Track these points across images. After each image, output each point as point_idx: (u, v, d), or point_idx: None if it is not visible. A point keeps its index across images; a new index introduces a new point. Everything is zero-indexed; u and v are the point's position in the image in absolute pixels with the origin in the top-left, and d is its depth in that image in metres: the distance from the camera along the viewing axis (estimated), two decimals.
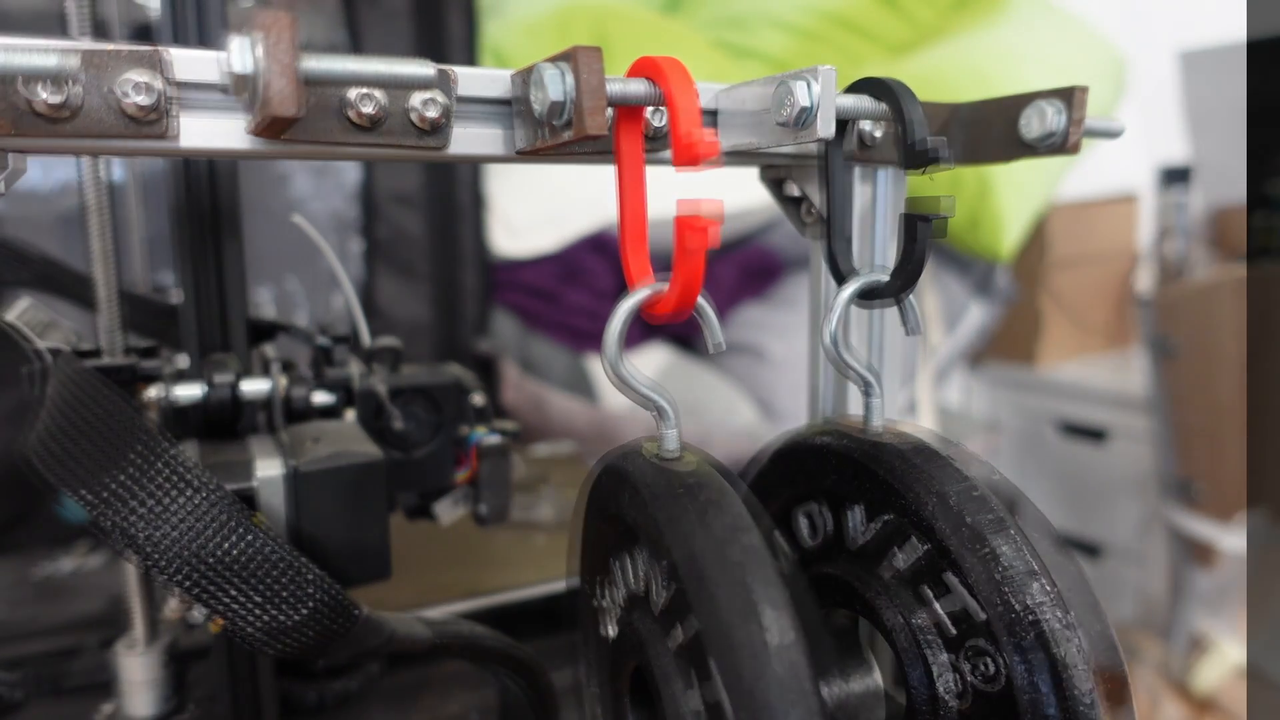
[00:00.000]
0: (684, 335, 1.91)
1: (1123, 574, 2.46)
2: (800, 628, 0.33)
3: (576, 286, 1.87)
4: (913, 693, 0.42)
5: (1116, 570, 2.48)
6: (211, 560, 0.47)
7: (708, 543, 0.34)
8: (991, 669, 0.39)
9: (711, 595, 0.33)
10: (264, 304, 1.66)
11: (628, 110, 0.40)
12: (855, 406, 0.61)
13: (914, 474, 0.41)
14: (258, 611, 0.49)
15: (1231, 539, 1.97)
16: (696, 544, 0.34)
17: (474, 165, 1.81)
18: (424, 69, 0.37)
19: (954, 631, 0.40)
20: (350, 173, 1.79)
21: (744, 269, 1.95)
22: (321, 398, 0.73)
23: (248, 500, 0.59)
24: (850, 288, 0.46)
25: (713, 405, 1.79)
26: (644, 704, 0.44)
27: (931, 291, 2.13)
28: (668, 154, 0.45)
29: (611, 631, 0.45)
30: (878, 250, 0.60)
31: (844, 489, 0.45)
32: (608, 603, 0.45)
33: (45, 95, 0.34)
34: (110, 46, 0.35)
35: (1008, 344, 2.66)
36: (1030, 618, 0.36)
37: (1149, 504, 2.30)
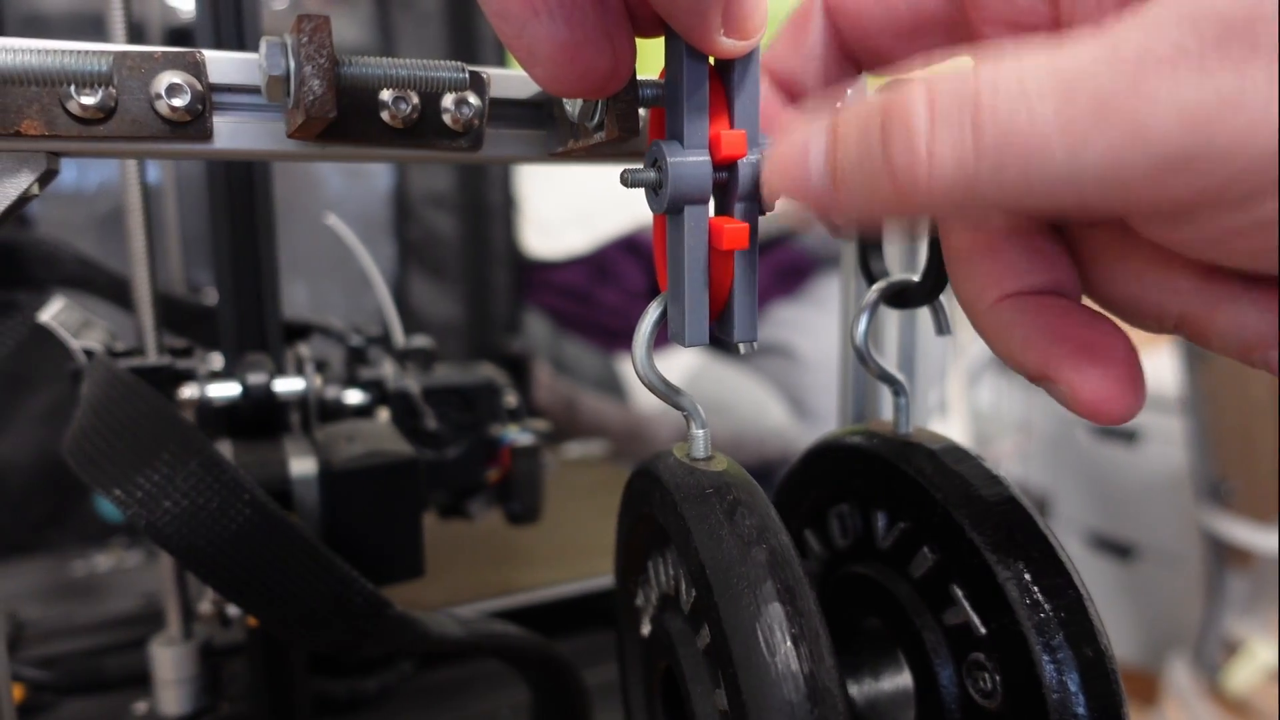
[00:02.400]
0: (714, 335, 1.91)
1: (1155, 575, 2.45)
2: (826, 628, 0.33)
3: (608, 287, 1.87)
4: (921, 700, 0.43)
5: (1149, 572, 2.46)
6: (245, 558, 0.47)
7: (734, 544, 0.34)
8: (988, 684, 0.39)
9: (735, 597, 0.33)
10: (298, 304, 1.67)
11: (661, 111, 0.40)
12: (887, 406, 0.61)
13: (942, 475, 0.41)
14: (291, 609, 0.49)
15: (1266, 540, 1.95)
16: (723, 544, 0.35)
17: (506, 167, 1.81)
18: (459, 70, 0.37)
19: (959, 642, 0.41)
20: (383, 174, 1.80)
21: (775, 268, 1.94)
22: (355, 397, 0.74)
23: (282, 499, 0.59)
24: (880, 288, 0.46)
25: (743, 405, 1.78)
26: (676, 704, 0.44)
27: None
28: None
29: (646, 631, 0.45)
30: (909, 251, 0.60)
31: (871, 490, 0.46)
32: (643, 602, 0.45)
33: (81, 97, 0.34)
34: (147, 49, 0.35)
35: None
36: (1061, 616, 0.36)
37: (1182, 505, 2.28)
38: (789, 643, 0.32)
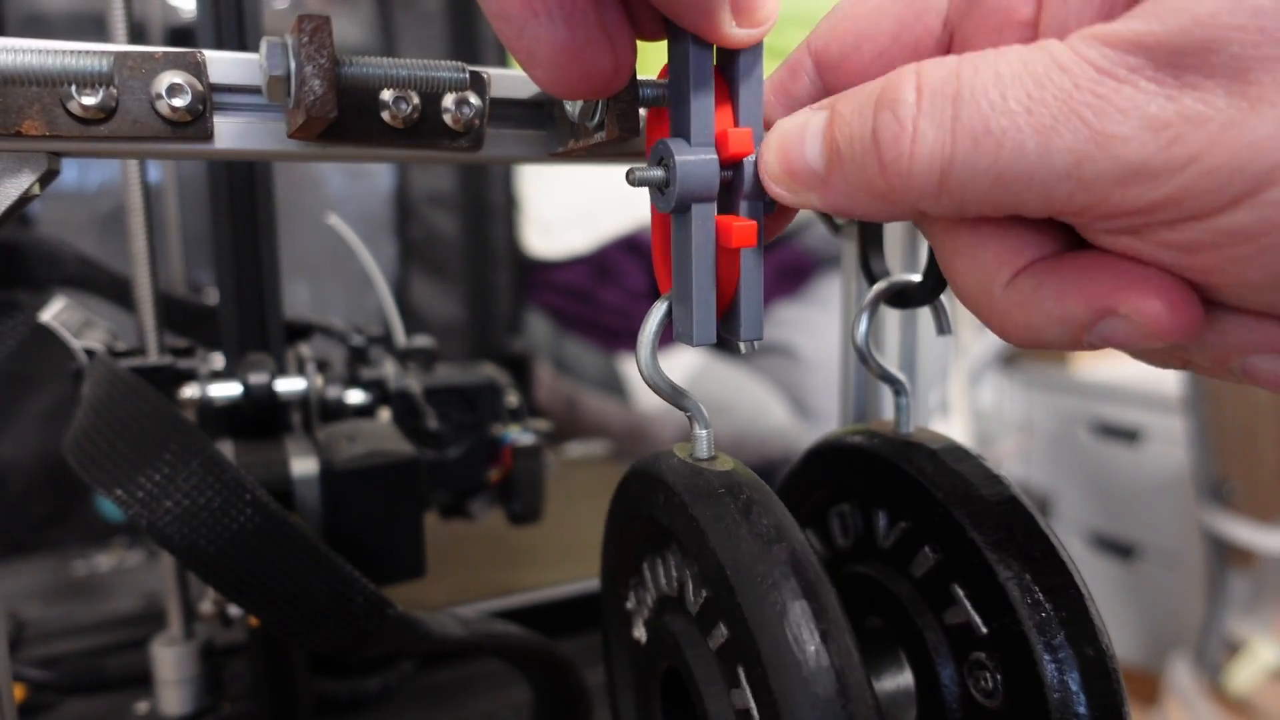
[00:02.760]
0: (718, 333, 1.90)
1: (1157, 575, 2.45)
2: (849, 625, 0.33)
3: (610, 287, 1.87)
4: (922, 699, 0.43)
5: (1150, 572, 2.46)
6: (246, 558, 0.47)
7: (753, 543, 0.34)
8: (989, 684, 0.39)
9: (760, 596, 0.33)
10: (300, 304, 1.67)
11: (660, 111, 0.40)
12: (888, 406, 0.61)
13: (943, 475, 0.41)
14: (293, 609, 0.49)
15: (1268, 540, 1.95)
16: (742, 544, 0.34)
17: (507, 166, 1.81)
18: (459, 70, 0.37)
19: (960, 642, 0.41)
20: (384, 174, 1.80)
21: (776, 268, 1.94)
22: (356, 397, 0.74)
23: (284, 499, 0.59)
24: (881, 288, 0.46)
25: (744, 405, 1.78)
26: (676, 705, 0.44)
27: None
28: None
29: (641, 634, 0.45)
30: (909, 251, 0.60)
31: (872, 489, 0.46)
32: (636, 605, 0.45)
33: (82, 97, 0.34)
34: (147, 49, 0.35)
35: None
36: (1062, 615, 0.36)
37: (1183, 505, 2.28)
38: (818, 639, 0.32)
